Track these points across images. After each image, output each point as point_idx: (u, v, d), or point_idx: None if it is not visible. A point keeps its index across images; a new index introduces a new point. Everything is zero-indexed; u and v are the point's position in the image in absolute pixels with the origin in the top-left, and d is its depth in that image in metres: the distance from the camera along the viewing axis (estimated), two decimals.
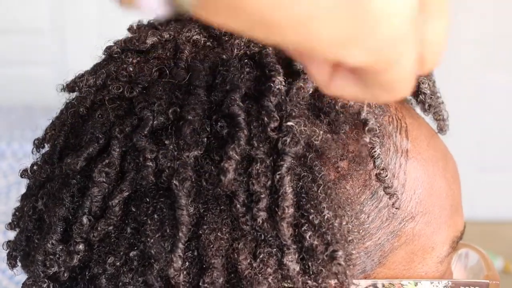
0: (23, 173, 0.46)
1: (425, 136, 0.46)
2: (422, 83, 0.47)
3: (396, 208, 0.42)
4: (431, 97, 0.48)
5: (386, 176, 0.41)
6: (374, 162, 0.41)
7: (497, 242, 2.37)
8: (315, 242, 0.38)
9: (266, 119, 0.38)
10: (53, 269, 0.41)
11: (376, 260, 0.43)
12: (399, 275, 0.44)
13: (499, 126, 2.57)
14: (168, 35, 0.44)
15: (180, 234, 0.38)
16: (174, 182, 0.38)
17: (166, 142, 0.39)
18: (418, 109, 0.50)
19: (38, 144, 0.46)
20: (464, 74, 2.51)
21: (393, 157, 0.43)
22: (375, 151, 0.41)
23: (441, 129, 0.50)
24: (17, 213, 0.46)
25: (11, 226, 0.46)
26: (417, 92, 0.48)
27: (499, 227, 2.51)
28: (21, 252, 0.45)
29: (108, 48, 0.45)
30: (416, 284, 0.44)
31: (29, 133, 1.83)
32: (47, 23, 2.61)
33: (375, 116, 0.42)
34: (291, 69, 0.41)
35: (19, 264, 0.46)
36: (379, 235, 0.42)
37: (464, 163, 2.75)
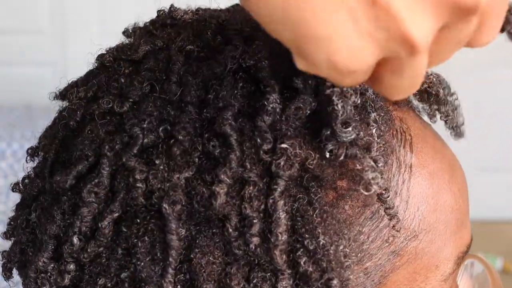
0: (15, 187, 0.45)
1: (431, 148, 0.44)
2: (437, 88, 0.46)
3: (397, 231, 0.41)
4: (443, 104, 0.47)
5: (388, 197, 0.40)
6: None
7: (497, 242, 2.37)
8: (310, 269, 0.37)
9: (259, 140, 0.37)
10: (44, 287, 0.40)
11: (377, 280, 0.41)
12: None
13: (499, 126, 2.57)
14: (161, 43, 0.42)
15: (171, 259, 0.37)
16: (164, 205, 0.37)
17: (156, 161, 0.38)
18: (425, 117, 0.49)
19: (32, 153, 0.45)
20: (464, 73, 2.51)
21: (395, 174, 0.41)
22: (382, 169, 0.39)
23: (458, 135, 0.48)
24: (12, 223, 0.45)
25: (6, 235, 0.45)
26: (428, 97, 0.47)
27: (499, 227, 2.51)
28: (16, 264, 0.44)
29: (101, 56, 0.44)
30: None
31: (29, 133, 1.84)
32: (47, 23, 2.61)
33: (381, 138, 0.40)
34: (289, 84, 0.39)
35: (14, 276, 0.45)
36: (379, 255, 0.41)
37: (464, 163, 2.74)
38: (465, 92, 2.46)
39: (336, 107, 0.37)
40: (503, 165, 2.64)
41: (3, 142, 1.81)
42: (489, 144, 2.59)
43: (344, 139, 0.37)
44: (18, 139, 1.84)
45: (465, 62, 2.49)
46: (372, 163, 0.38)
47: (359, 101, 0.39)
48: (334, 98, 0.37)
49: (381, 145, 0.40)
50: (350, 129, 0.37)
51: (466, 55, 2.41)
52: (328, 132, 0.38)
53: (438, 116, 0.49)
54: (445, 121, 0.48)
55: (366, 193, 0.38)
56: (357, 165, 0.38)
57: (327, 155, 0.38)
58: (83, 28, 2.56)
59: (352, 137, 0.37)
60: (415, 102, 0.48)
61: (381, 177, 0.39)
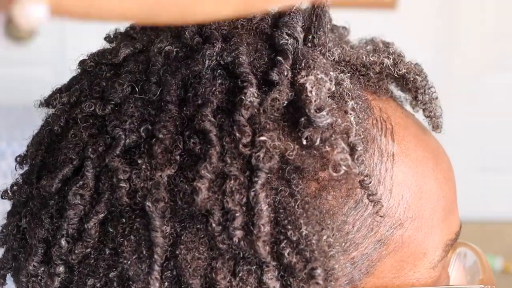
0: (4, 194, 0.45)
1: (413, 136, 0.44)
2: (415, 74, 0.46)
3: (381, 217, 0.41)
4: (421, 92, 0.47)
5: (370, 183, 0.40)
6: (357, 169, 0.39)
7: (497, 242, 2.37)
8: (294, 260, 0.37)
9: (237, 134, 0.37)
10: None
11: (364, 270, 0.41)
12: (389, 284, 0.42)
13: (499, 126, 2.57)
14: (141, 46, 0.43)
15: (156, 256, 0.37)
16: (147, 203, 0.37)
17: (139, 161, 0.38)
18: (408, 106, 0.49)
19: (21, 161, 0.46)
20: (464, 74, 2.51)
21: (378, 163, 0.41)
22: (362, 153, 0.40)
23: (435, 127, 0.48)
24: (3, 231, 0.45)
25: None
26: (406, 83, 0.47)
27: (499, 227, 2.51)
28: (9, 270, 0.44)
29: (82, 62, 0.45)
30: None
31: (29, 133, 1.83)
32: (47, 23, 2.60)
33: (360, 125, 0.40)
34: (266, 78, 0.39)
35: (7, 283, 0.45)
36: (365, 245, 0.41)
37: (464, 163, 2.75)
38: (466, 93, 2.45)
39: (309, 94, 0.38)
40: (503, 165, 2.64)
41: (3, 142, 1.81)
42: (489, 144, 2.59)
43: (320, 124, 0.38)
44: (18, 139, 1.83)
45: (467, 64, 2.49)
46: (344, 145, 0.38)
47: (333, 88, 0.40)
48: (307, 85, 0.38)
49: (360, 132, 0.40)
50: (324, 113, 0.38)
51: (470, 57, 2.40)
52: (305, 120, 0.38)
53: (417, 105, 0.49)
54: (423, 110, 0.48)
55: (334, 174, 0.38)
56: (327, 147, 0.38)
57: (304, 142, 0.38)
58: (83, 28, 2.56)
59: (328, 121, 0.38)
60: (397, 92, 0.49)
61: (362, 162, 0.39)
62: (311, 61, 0.40)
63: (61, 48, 2.60)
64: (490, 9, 2.47)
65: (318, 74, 0.39)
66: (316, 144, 0.38)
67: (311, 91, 0.38)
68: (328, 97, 0.40)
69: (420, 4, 2.50)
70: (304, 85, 0.38)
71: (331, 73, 0.40)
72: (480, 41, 2.48)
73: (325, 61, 0.41)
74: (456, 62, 2.49)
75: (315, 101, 0.38)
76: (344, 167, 0.38)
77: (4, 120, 1.99)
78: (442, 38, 2.50)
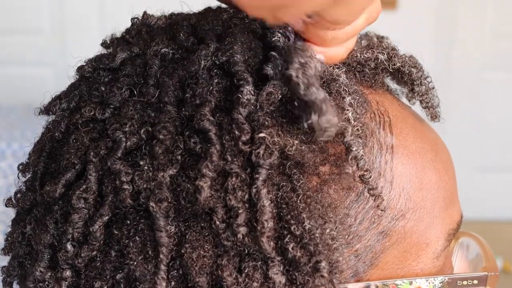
0: (8, 202, 0.45)
1: (411, 128, 0.45)
2: (410, 67, 0.47)
3: (382, 210, 0.41)
4: (418, 83, 0.47)
5: (370, 177, 0.40)
6: (357, 164, 0.40)
7: (497, 242, 2.37)
8: (298, 254, 0.37)
9: (237, 132, 0.37)
10: None
11: (368, 262, 0.42)
12: (393, 275, 0.43)
13: (499, 126, 2.58)
14: (137, 50, 0.43)
15: (161, 256, 0.37)
16: (151, 204, 0.37)
17: (140, 162, 0.38)
18: (404, 99, 0.50)
19: (23, 169, 0.46)
20: (464, 73, 2.51)
21: (377, 155, 0.42)
22: (357, 153, 0.40)
23: (433, 117, 0.49)
24: (9, 238, 0.45)
25: (4, 251, 0.46)
26: (401, 76, 0.48)
27: (499, 227, 2.52)
28: (16, 278, 0.45)
29: (80, 68, 0.45)
30: (410, 283, 0.43)
31: (29, 133, 1.84)
32: (47, 23, 2.61)
33: (358, 121, 0.41)
34: (261, 76, 0.40)
35: None
36: (368, 237, 0.42)
37: (464, 163, 2.75)
38: (465, 93, 2.45)
39: (295, 79, 0.38)
40: (503, 165, 2.64)
41: (3, 142, 1.81)
42: (489, 144, 2.59)
43: (314, 100, 0.38)
44: (18, 139, 1.84)
45: (467, 64, 2.50)
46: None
47: (320, 68, 0.40)
48: (291, 72, 0.38)
49: (359, 127, 0.41)
50: (314, 89, 0.38)
51: (469, 56, 2.41)
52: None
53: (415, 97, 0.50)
54: (420, 101, 0.48)
55: (321, 139, 0.39)
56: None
57: (305, 125, 0.38)
58: (83, 28, 2.56)
59: (321, 97, 0.38)
60: (393, 86, 0.49)
61: (359, 160, 0.40)
62: (293, 53, 0.40)
63: (61, 48, 2.60)
64: (489, 7, 2.48)
65: (301, 60, 0.39)
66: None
67: (297, 76, 0.38)
68: (327, 93, 0.40)
69: (420, 4, 2.50)
70: (290, 73, 0.39)
71: (317, 56, 0.41)
72: (480, 39, 2.48)
73: (308, 51, 0.41)
74: (455, 62, 2.49)
75: (302, 82, 0.38)
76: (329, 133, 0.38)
77: (4, 120, 1.99)
78: (442, 37, 2.50)
